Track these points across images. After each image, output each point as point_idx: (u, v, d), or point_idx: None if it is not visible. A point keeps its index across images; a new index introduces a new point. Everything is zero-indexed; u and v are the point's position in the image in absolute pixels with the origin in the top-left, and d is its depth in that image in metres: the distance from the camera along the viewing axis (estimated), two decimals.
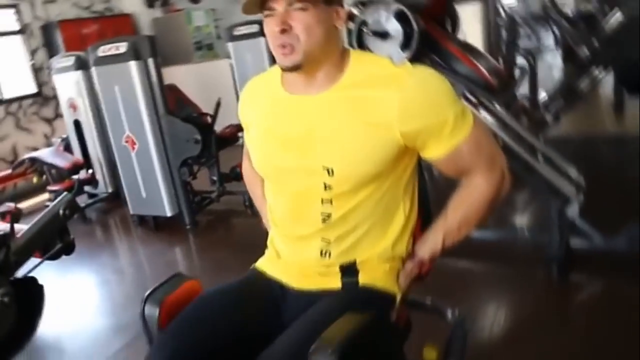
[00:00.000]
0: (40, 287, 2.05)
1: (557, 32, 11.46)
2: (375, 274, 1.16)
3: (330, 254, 1.15)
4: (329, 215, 1.13)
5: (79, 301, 3.11)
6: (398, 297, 1.17)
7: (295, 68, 1.06)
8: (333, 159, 1.09)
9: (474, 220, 1.17)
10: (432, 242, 1.19)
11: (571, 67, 8.35)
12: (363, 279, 1.15)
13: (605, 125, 5.16)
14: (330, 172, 1.09)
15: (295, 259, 1.20)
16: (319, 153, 1.10)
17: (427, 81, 1.08)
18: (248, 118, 1.26)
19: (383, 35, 2.34)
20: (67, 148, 4.90)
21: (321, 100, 1.10)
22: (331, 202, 1.12)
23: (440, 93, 1.08)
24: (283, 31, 1.03)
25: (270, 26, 1.05)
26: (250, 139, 1.26)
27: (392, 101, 1.04)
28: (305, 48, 1.04)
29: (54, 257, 2.09)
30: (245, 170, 1.44)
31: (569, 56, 8.41)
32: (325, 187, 1.10)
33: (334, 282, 1.16)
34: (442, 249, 1.19)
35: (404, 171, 1.16)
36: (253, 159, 1.25)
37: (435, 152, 1.10)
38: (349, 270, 1.15)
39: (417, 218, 1.23)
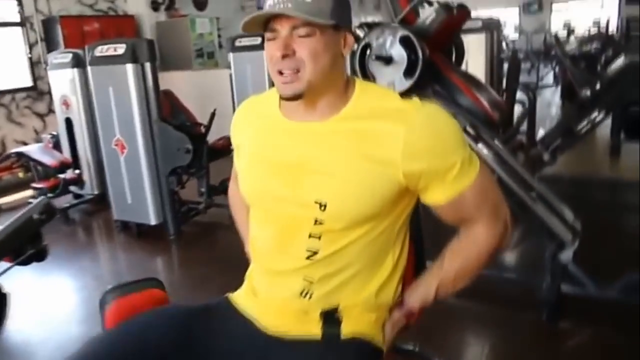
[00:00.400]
0: (4, 296, 1.94)
1: (557, 69, 11.55)
2: (358, 324, 1.06)
3: (311, 295, 1.05)
4: (315, 252, 1.04)
5: (53, 306, 2.99)
6: (384, 350, 1.08)
7: (295, 97, 0.99)
8: (327, 194, 1.00)
9: (471, 272, 1.10)
10: (424, 292, 1.11)
11: (569, 105, 8.39)
12: (346, 329, 1.06)
13: (601, 169, 5.11)
14: (322, 207, 1.00)
15: (273, 296, 1.10)
16: (312, 185, 1.02)
17: (436, 119, 1.01)
18: (240, 139, 1.17)
19: (387, 60, 2.28)
20: (57, 145, 4.83)
21: (320, 129, 1.03)
22: (320, 237, 1.03)
23: (449, 133, 1.00)
24: (285, 56, 0.96)
25: (272, 50, 0.98)
26: (240, 160, 1.17)
27: (397, 137, 0.97)
28: (309, 77, 0.97)
29: (25, 262, 1.99)
30: (232, 193, 1.36)
31: (567, 94, 8.48)
32: (316, 221, 1.02)
33: (314, 329, 1.06)
34: (434, 299, 1.11)
35: (401, 214, 1.08)
36: (240, 183, 1.16)
37: (437, 197, 1.02)
38: (331, 319, 1.06)
39: (407, 260, 1.15)
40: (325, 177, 1.01)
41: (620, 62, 4.43)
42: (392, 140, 0.97)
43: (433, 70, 2.42)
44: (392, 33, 2.30)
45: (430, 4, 2.35)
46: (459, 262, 1.09)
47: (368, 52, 2.32)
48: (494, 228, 1.07)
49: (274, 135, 1.09)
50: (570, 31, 14.29)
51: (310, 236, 1.03)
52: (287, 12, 0.94)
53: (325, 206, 1.00)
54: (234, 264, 1.37)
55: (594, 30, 13.19)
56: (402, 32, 2.27)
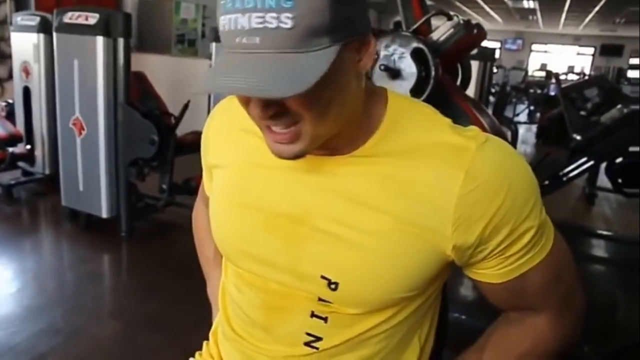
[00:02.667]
0: None
1: (532, 108, 11.63)
2: None
3: None
4: (318, 339, 0.73)
5: None
6: None
7: (295, 158, 0.65)
8: (339, 269, 0.69)
9: None
10: None
11: (542, 144, 8.36)
12: None
13: (574, 216, 4.98)
14: (332, 285, 0.69)
15: None
16: (318, 253, 0.70)
17: (507, 164, 0.68)
18: (216, 158, 0.82)
19: (394, 73, 2.01)
20: (10, 115, 4.42)
21: (334, 168, 0.70)
22: (326, 320, 0.72)
23: (525, 187, 0.68)
24: (276, 117, 0.61)
25: (246, 104, 0.63)
26: (214, 189, 0.83)
27: (449, 190, 0.65)
28: (312, 132, 0.63)
29: None
30: (197, 216, 1.04)
31: (543, 135, 8.48)
32: (320, 299, 0.72)
33: None
34: None
35: (435, 290, 0.78)
36: (213, 225, 0.81)
37: (491, 275, 0.72)
38: None
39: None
40: (337, 242, 0.69)
41: (615, 111, 4.32)
42: (442, 196, 0.65)
43: (441, 90, 2.17)
44: (403, 44, 2.03)
45: (450, 17, 2.10)
46: None
47: (375, 61, 2.05)
48: (562, 321, 0.76)
49: (266, 168, 0.73)
50: (568, 72, 14.56)
51: (313, 315, 0.73)
52: (250, 91, 0.57)
53: (336, 285, 0.69)
54: (189, 272, 1.07)
55: (571, 77, 13.45)
56: (415, 44, 2.00)
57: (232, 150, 0.78)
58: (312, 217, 0.70)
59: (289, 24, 0.54)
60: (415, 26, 2.13)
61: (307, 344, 0.73)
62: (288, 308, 0.74)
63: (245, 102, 0.62)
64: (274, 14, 0.54)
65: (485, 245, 0.67)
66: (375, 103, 0.70)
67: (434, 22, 2.23)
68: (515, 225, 0.66)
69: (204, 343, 0.93)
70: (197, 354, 0.93)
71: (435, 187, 0.66)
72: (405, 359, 0.78)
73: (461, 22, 2.07)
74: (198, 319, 1.11)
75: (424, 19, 2.12)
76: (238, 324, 0.81)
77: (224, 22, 0.57)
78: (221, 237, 0.80)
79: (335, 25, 0.56)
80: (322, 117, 0.62)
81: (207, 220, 0.85)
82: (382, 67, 2.01)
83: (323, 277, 0.69)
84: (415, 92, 2.01)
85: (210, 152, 0.83)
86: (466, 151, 0.66)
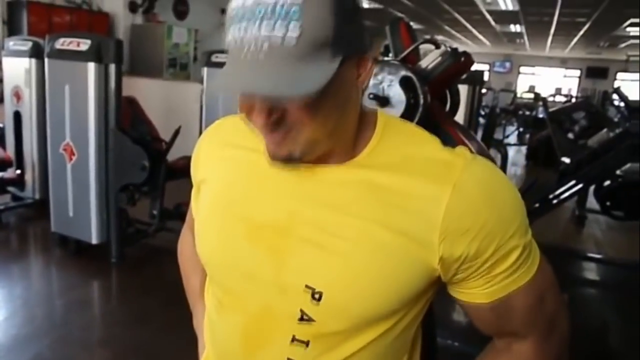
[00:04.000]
0: None
1: (521, 130, 11.72)
2: None
3: None
4: None
5: None
6: None
7: (289, 160, 0.67)
8: (324, 277, 0.68)
9: None
10: None
11: (533, 166, 8.42)
12: None
13: (565, 238, 5.01)
14: (316, 296, 0.68)
15: None
16: (303, 261, 0.69)
17: (493, 181, 0.70)
18: (204, 173, 0.82)
19: (383, 100, 2.03)
20: (0, 140, 4.41)
21: (323, 177, 0.70)
22: (307, 344, 0.71)
23: (512, 205, 0.69)
24: (277, 123, 0.64)
25: (247, 111, 0.65)
26: (200, 205, 0.82)
27: (437, 203, 0.66)
28: (308, 137, 0.65)
29: None
30: (183, 247, 1.02)
31: (533, 157, 8.56)
32: (303, 317, 0.70)
33: None
34: None
35: (420, 313, 0.77)
36: (198, 240, 0.81)
37: (477, 294, 0.72)
38: None
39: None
40: (322, 251, 0.68)
41: (602, 135, 4.38)
42: (430, 207, 0.66)
43: (429, 117, 2.20)
44: (392, 72, 2.05)
45: (438, 46, 2.13)
46: None
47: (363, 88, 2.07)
48: (546, 347, 0.76)
49: (253, 179, 0.74)
50: (555, 94, 14.77)
51: (293, 341, 0.71)
52: (259, 90, 0.60)
53: (320, 295, 0.68)
54: (180, 299, 1.05)
55: (559, 98, 13.66)
56: (403, 72, 2.02)
57: (222, 164, 0.79)
58: (298, 226, 0.70)
59: (296, 33, 0.57)
60: (403, 54, 2.16)
61: None
62: (268, 333, 0.73)
63: (249, 109, 0.64)
64: (283, 22, 0.58)
65: (472, 262, 0.68)
66: (368, 118, 0.72)
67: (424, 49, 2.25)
68: (501, 242, 0.67)
69: None
70: None
71: (423, 199, 0.67)
72: None
73: (449, 50, 2.10)
74: (188, 347, 1.09)
75: (411, 48, 2.15)
76: (220, 351, 0.80)
77: (234, 30, 0.60)
78: (204, 249, 0.79)
79: (338, 39, 0.60)
80: (322, 127, 0.64)
81: (193, 250, 0.85)
82: (371, 96, 2.02)
83: (307, 287, 0.69)
84: (405, 118, 2.03)
85: (200, 167, 0.83)
86: (454, 166, 0.68)
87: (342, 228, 0.68)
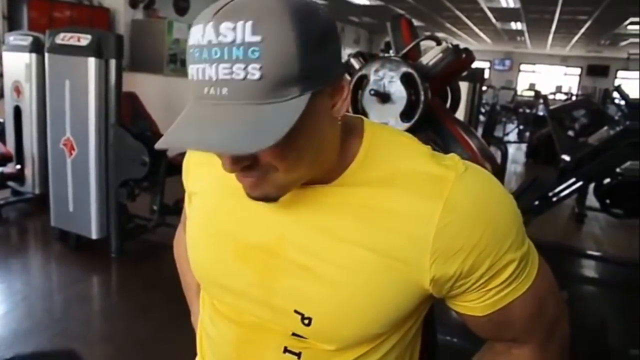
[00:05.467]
0: None
1: (521, 127, 11.70)
2: None
3: None
4: None
5: None
6: None
7: (267, 201, 0.65)
8: (312, 304, 0.67)
9: None
10: None
11: (533, 163, 8.41)
12: None
13: (564, 236, 5.01)
14: (305, 321, 0.67)
15: None
16: (291, 286, 0.68)
17: (487, 197, 0.66)
18: (195, 185, 0.80)
19: (384, 97, 2.03)
20: (0, 135, 4.40)
21: (308, 199, 0.67)
22: (299, 356, 0.71)
23: (507, 218, 0.66)
24: (247, 169, 0.60)
25: (222, 159, 0.61)
26: (191, 216, 0.81)
27: (426, 222, 0.63)
28: (283, 181, 0.62)
29: None
30: (178, 245, 1.01)
31: (533, 154, 8.55)
32: (294, 333, 0.70)
33: None
34: None
35: (414, 326, 0.75)
36: (190, 252, 0.79)
37: (473, 308, 0.69)
38: None
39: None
40: (310, 276, 0.66)
41: (602, 132, 4.38)
42: (419, 227, 0.63)
43: (430, 115, 2.20)
44: (393, 68, 2.05)
45: (439, 42, 2.13)
46: None
47: (363, 84, 2.07)
48: (546, 352, 0.74)
49: (241, 197, 0.66)
50: (555, 92, 14.74)
51: (285, 351, 0.71)
52: (211, 147, 0.57)
53: (309, 321, 0.67)
54: (180, 294, 1.06)
55: (559, 96, 13.64)
56: (405, 69, 2.03)
57: (209, 178, 0.76)
58: (286, 248, 0.68)
59: (256, 75, 0.53)
60: (404, 51, 2.16)
61: None
62: (261, 342, 0.72)
63: (217, 154, 0.61)
64: (242, 65, 0.52)
65: (466, 279, 0.66)
66: (352, 135, 0.68)
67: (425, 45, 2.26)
68: (496, 258, 0.65)
69: None
70: None
71: (413, 218, 0.64)
72: None
73: (450, 46, 2.10)
74: (188, 342, 1.10)
75: (413, 44, 2.15)
76: (213, 357, 0.80)
77: (192, 71, 0.56)
78: (198, 268, 0.78)
79: (304, 74, 0.55)
80: (295, 166, 0.61)
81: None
82: (372, 92, 2.03)
83: (296, 312, 0.68)
84: (405, 115, 2.03)
85: (190, 180, 0.81)
86: (445, 181, 0.64)
87: (329, 252, 0.66)
